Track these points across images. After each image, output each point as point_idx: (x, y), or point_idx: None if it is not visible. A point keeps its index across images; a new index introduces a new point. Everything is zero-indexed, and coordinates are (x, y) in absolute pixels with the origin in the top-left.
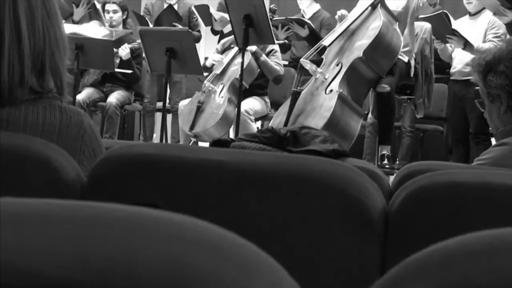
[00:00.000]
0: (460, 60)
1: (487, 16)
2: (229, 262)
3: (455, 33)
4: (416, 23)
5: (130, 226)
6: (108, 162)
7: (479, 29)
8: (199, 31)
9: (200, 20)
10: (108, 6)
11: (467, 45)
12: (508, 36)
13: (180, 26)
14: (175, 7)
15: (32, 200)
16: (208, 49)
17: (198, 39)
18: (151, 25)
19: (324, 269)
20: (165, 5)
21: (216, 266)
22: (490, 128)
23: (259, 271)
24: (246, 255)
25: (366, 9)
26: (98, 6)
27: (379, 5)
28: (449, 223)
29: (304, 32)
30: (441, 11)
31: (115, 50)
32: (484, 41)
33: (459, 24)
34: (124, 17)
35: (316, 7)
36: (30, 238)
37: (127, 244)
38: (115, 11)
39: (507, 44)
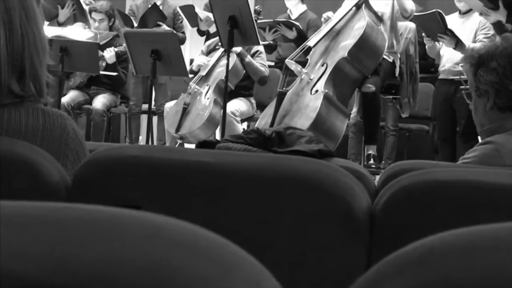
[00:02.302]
0: (448, 59)
1: (478, 16)
2: (210, 262)
3: (447, 32)
4: (401, 23)
5: (110, 227)
6: (93, 165)
7: (469, 29)
8: (183, 32)
9: (186, 21)
10: (95, 15)
11: (458, 44)
12: (498, 37)
13: (165, 25)
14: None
15: (11, 202)
16: (193, 50)
17: (182, 41)
18: (136, 25)
19: (310, 268)
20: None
21: (198, 266)
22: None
23: (241, 271)
24: (227, 255)
25: (351, 9)
26: (85, 7)
27: (363, 5)
28: (434, 222)
29: (291, 34)
30: (434, 10)
31: (100, 53)
32: (474, 41)
33: (449, 21)
34: (111, 24)
35: (303, 8)
36: (8, 240)
37: (107, 246)
38: (101, 20)
39: (502, 41)
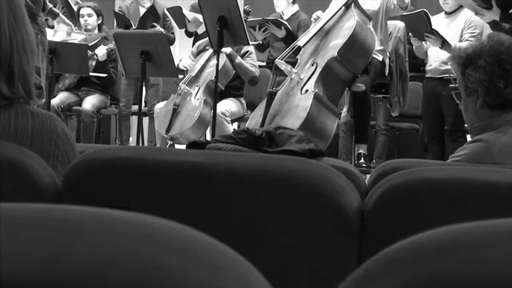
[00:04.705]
0: (436, 57)
1: (464, 15)
2: (199, 262)
3: (433, 32)
4: (390, 22)
5: (99, 228)
6: (83, 166)
7: (455, 28)
8: (173, 33)
9: (173, 22)
10: (83, 10)
11: (444, 44)
12: (484, 36)
13: (159, 27)
14: None
15: (1, 204)
16: (183, 50)
17: (172, 41)
18: (133, 25)
19: (301, 268)
20: (141, 8)
21: (187, 266)
22: (466, 125)
23: (230, 270)
24: (217, 255)
25: (340, 9)
26: (75, 8)
27: (352, 4)
28: (424, 220)
29: (280, 33)
30: (421, 10)
31: (90, 52)
32: (460, 40)
33: (435, 22)
34: (99, 22)
35: (295, 8)
36: None
37: (97, 246)
38: (89, 15)
39: (489, 40)
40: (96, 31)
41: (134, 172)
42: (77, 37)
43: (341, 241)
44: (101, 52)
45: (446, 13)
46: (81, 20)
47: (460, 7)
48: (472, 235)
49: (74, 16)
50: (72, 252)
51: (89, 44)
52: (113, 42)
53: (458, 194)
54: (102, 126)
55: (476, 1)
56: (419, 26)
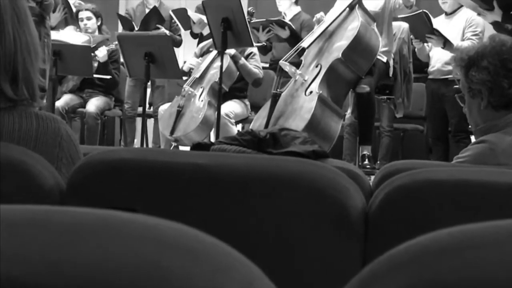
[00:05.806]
0: (438, 59)
1: (464, 14)
2: (202, 263)
3: (434, 32)
4: (394, 23)
5: (102, 230)
6: (87, 168)
7: (456, 28)
8: (179, 35)
9: (179, 24)
10: (82, 14)
11: (446, 44)
12: (485, 34)
13: (163, 28)
14: None
15: (5, 206)
16: (187, 52)
17: (179, 44)
18: (136, 27)
19: (305, 269)
20: (147, 10)
21: (191, 267)
22: (470, 126)
23: (233, 271)
24: (219, 256)
25: (344, 10)
26: (75, 10)
27: (356, 6)
28: (429, 221)
29: (284, 34)
30: (421, 10)
31: (92, 54)
32: (462, 40)
33: (436, 23)
34: (99, 23)
35: (297, 9)
36: (2, 244)
37: (100, 248)
38: (88, 18)
39: (490, 41)
40: (97, 33)
41: (138, 174)
42: (82, 38)
43: (346, 243)
44: (101, 53)
45: (446, 14)
46: (81, 23)
47: (460, 6)
48: (476, 236)
49: (74, 19)
50: (75, 254)
51: (91, 46)
52: (114, 43)
53: (463, 196)
54: (106, 128)
55: (477, 2)
56: (420, 27)
